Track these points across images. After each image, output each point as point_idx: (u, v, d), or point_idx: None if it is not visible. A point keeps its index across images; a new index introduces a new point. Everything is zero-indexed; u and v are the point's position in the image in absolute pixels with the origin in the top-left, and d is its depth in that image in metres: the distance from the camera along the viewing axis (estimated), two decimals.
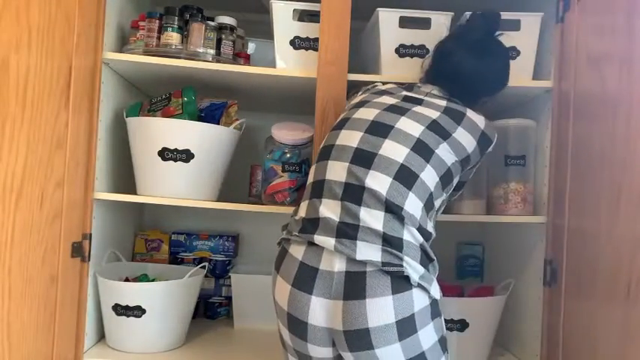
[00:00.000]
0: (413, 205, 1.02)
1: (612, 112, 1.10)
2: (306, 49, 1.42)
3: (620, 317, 0.98)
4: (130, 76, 1.55)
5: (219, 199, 1.50)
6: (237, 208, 1.40)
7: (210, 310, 1.76)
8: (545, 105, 1.42)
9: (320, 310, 0.99)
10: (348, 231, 0.99)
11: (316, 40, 1.39)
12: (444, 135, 1.09)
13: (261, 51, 1.56)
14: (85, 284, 1.33)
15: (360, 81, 1.39)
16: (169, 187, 1.41)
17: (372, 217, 0.99)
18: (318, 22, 1.37)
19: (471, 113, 1.15)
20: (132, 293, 1.39)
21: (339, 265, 0.98)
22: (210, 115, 1.51)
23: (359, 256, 0.96)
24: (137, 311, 1.37)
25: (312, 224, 1.03)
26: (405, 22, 1.41)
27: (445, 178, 1.09)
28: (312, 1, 1.40)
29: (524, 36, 1.41)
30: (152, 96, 1.59)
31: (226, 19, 1.48)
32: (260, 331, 1.63)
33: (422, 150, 1.06)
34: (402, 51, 1.41)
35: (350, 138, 1.08)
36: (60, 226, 1.18)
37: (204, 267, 1.54)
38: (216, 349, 1.47)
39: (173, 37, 1.40)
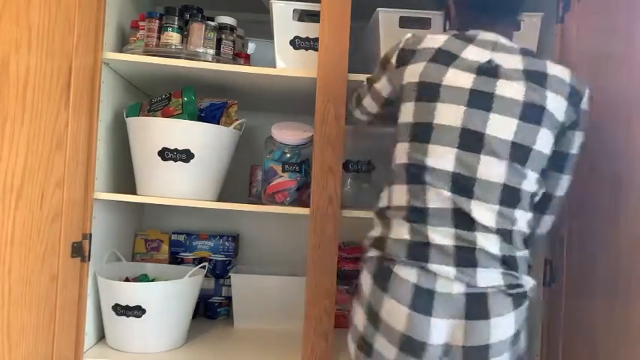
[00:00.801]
0: (521, 220, 1.01)
1: (612, 112, 1.10)
2: (306, 49, 1.42)
3: (620, 317, 0.98)
4: (130, 76, 1.55)
5: (219, 199, 1.50)
6: (237, 208, 1.40)
7: (210, 310, 1.75)
8: None
9: (440, 330, 0.97)
10: (466, 258, 0.97)
11: (316, 40, 1.39)
12: (538, 118, 0.99)
13: (261, 51, 1.56)
14: (85, 284, 1.33)
15: (360, 81, 1.39)
16: (169, 187, 1.41)
17: (488, 241, 0.98)
18: (318, 22, 1.37)
19: (550, 66, 1.04)
20: (132, 293, 1.38)
21: (457, 288, 0.96)
22: (210, 115, 1.51)
23: (481, 284, 0.96)
24: (137, 311, 1.37)
25: (421, 251, 0.98)
26: (405, 22, 1.41)
27: (543, 172, 1.04)
28: (312, 1, 1.40)
29: (524, 36, 1.41)
30: (152, 96, 1.59)
31: (226, 19, 1.48)
32: (260, 331, 1.63)
33: (519, 155, 0.99)
34: None
35: (444, 156, 0.99)
36: (60, 226, 1.18)
37: (204, 267, 1.54)
38: (216, 349, 1.47)
39: (173, 37, 1.40)
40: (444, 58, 1.04)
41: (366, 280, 1.05)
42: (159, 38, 1.41)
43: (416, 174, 1.01)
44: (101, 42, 1.33)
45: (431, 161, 1.00)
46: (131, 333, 1.39)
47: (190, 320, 1.51)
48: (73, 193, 1.23)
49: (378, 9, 1.41)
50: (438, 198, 0.98)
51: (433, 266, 0.97)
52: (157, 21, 1.41)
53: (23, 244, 1.05)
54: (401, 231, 1.01)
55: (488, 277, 0.96)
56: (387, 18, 1.41)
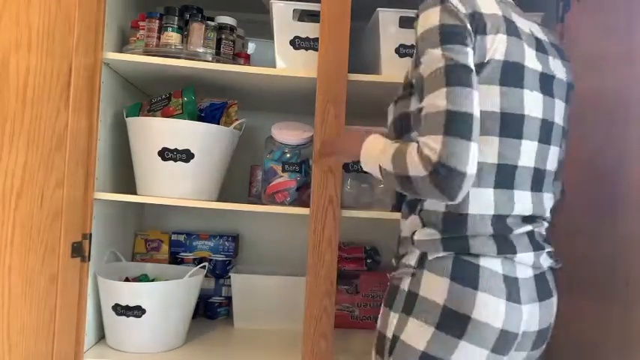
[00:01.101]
0: (549, 203, 1.03)
1: (611, 111, 1.10)
2: (306, 49, 1.42)
3: (618, 317, 0.98)
4: (130, 76, 1.55)
5: (219, 199, 1.50)
6: (237, 208, 1.40)
7: (210, 310, 1.75)
8: None
9: (526, 317, 0.94)
10: (537, 243, 0.97)
11: (316, 40, 1.39)
12: (569, 98, 1.03)
13: (261, 51, 1.56)
14: (85, 284, 1.33)
15: (360, 81, 1.39)
16: (169, 187, 1.41)
17: (544, 223, 1.01)
18: (318, 22, 1.37)
19: (555, 35, 1.05)
20: (132, 293, 1.38)
21: (530, 272, 0.96)
22: (210, 115, 1.51)
23: (544, 264, 0.98)
24: (137, 311, 1.37)
25: (505, 243, 0.93)
26: (405, 22, 1.41)
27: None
28: (312, 1, 1.40)
29: None
30: (152, 96, 1.59)
31: (226, 19, 1.48)
32: (260, 331, 1.63)
33: (562, 140, 1.02)
34: (402, 51, 1.41)
35: (529, 153, 0.94)
36: (60, 226, 1.18)
37: (204, 267, 1.54)
38: (216, 349, 1.47)
39: (173, 37, 1.40)
40: (514, 30, 0.93)
41: (432, 285, 0.91)
42: (159, 38, 1.41)
43: (506, 176, 0.93)
44: (101, 42, 1.33)
45: (522, 160, 0.93)
46: (131, 333, 1.39)
47: (190, 320, 1.51)
48: (73, 193, 1.23)
49: (378, 9, 1.41)
50: (522, 199, 0.95)
51: (517, 256, 0.92)
52: (157, 21, 1.42)
53: (23, 244, 1.05)
54: (482, 223, 0.93)
55: (545, 257, 0.98)
56: (387, 18, 1.41)
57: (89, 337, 1.38)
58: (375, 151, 0.95)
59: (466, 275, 0.90)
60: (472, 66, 0.87)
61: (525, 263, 0.93)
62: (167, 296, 1.41)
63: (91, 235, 1.33)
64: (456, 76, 0.85)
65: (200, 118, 1.49)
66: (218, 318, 1.76)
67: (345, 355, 1.43)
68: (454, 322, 0.89)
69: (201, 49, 1.41)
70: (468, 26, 0.89)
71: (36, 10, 1.04)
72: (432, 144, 0.84)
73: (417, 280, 0.93)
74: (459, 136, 0.83)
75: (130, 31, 1.49)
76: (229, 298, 1.74)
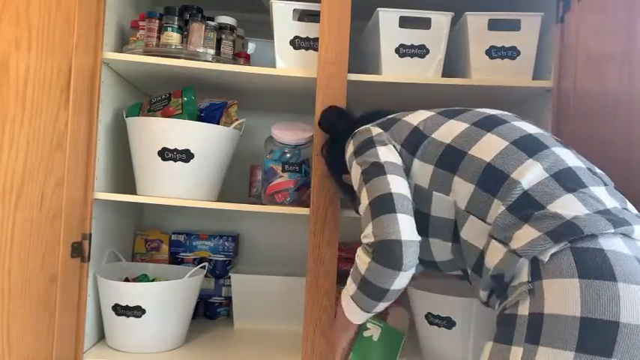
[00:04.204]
0: None
1: (612, 112, 1.10)
2: (306, 49, 1.42)
3: None
4: (130, 76, 1.55)
5: (219, 199, 1.50)
6: (237, 208, 1.40)
7: (210, 310, 1.75)
8: (545, 105, 1.42)
9: None
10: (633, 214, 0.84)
11: (316, 40, 1.39)
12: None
13: (261, 51, 1.56)
14: (84, 284, 1.33)
15: (360, 81, 1.39)
16: (169, 187, 1.41)
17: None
18: (318, 22, 1.37)
19: None
20: (132, 293, 1.38)
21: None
22: (210, 115, 1.51)
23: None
24: (137, 311, 1.37)
25: (612, 216, 0.79)
26: (405, 22, 1.41)
27: None
28: (312, 1, 1.40)
29: (524, 36, 1.41)
30: (152, 96, 1.59)
31: (226, 19, 1.48)
32: (260, 331, 1.63)
33: None
34: (402, 51, 1.41)
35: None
36: (60, 226, 1.18)
37: (204, 267, 1.54)
38: (216, 349, 1.47)
39: (173, 37, 1.40)
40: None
41: (559, 294, 0.73)
42: (159, 38, 1.41)
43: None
44: (101, 42, 1.33)
45: None
46: (131, 333, 1.39)
47: (190, 320, 1.51)
48: (72, 193, 1.23)
49: (378, 9, 1.41)
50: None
51: (635, 229, 0.79)
52: (157, 21, 1.41)
53: (23, 244, 1.05)
54: (575, 207, 0.81)
55: None
56: (387, 18, 1.41)
57: (89, 337, 1.38)
58: (348, 303, 1.03)
59: (596, 266, 0.73)
60: (382, 160, 0.99)
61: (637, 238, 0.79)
62: (167, 296, 1.41)
63: (90, 235, 1.33)
64: (369, 174, 0.99)
65: (200, 118, 1.49)
66: (218, 318, 1.76)
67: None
68: (599, 336, 0.70)
69: (201, 49, 1.41)
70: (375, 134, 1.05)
71: (36, 10, 1.04)
72: (366, 232, 0.95)
73: (539, 296, 0.75)
74: (382, 213, 0.93)
75: (129, 31, 1.48)
76: (229, 298, 1.74)
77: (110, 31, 1.40)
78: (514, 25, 1.41)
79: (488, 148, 0.90)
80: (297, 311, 1.43)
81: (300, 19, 1.44)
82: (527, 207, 0.82)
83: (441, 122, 1.00)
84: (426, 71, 1.42)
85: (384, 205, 0.93)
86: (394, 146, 1.02)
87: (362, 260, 0.95)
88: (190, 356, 1.42)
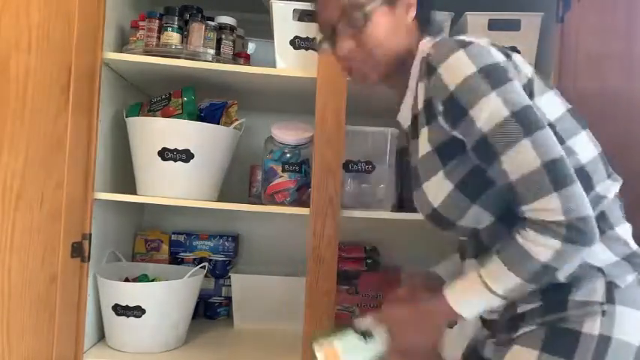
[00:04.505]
0: None
1: (612, 111, 1.10)
2: (306, 49, 1.42)
3: None
4: (130, 76, 1.55)
5: (219, 199, 1.50)
6: (237, 208, 1.40)
7: (210, 310, 1.75)
8: None
9: None
10: None
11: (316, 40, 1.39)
12: None
13: (261, 51, 1.56)
14: (84, 284, 1.33)
15: None
16: (169, 187, 1.41)
17: None
18: None
19: None
20: (132, 293, 1.38)
21: None
22: (210, 115, 1.51)
23: None
24: (137, 311, 1.37)
25: None
26: None
27: None
28: (312, 1, 1.40)
29: (524, 36, 1.41)
30: (152, 96, 1.59)
31: (226, 19, 1.48)
32: (260, 331, 1.63)
33: None
34: None
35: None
36: (60, 227, 1.18)
37: (204, 267, 1.54)
38: (216, 349, 1.47)
39: (173, 37, 1.40)
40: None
41: (629, 322, 0.78)
42: (159, 38, 1.41)
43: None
44: (101, 42, 1.33)
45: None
46: (131, 333, 1.39)
47: (190, 320, 1.51)
48: (72, 193, 1.23)
49: None
50: None
51: None
52: (157, 21, 1.41)
53: (23, 244, 1.05)
54: (631, 238, 0.86)
55: None
56: None
57: (89, 337, 1.38)
58: (471, 293, 0.82)
59: None
60: (531, 104, 0.80)
61: None
62: (167, 296, 1.41)
63: (90, 235, 1.33)
64: (528, 120, 0.78)
65: (200, 118, 1.49)
66: (218, 318, 1.76)
67: None
68: None
69: (201, 49, 1.41)
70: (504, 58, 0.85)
71: (36, 10, 1.04)
72: (549, 206, 0.75)
73: (610, 320, 0.77)
74: (568, 185, 0.75)
75: (129, 30, 1.48)
76: (229, 298, 1.74)
77: (110, 31, 1.40)
78: (514, 25, 1.41)
79: (587, 148, 0.86)
80: (297, 311, 1.43)
81: (300, 19, 1.44)
82: (602, 223, 0.81)
83: (543, 90, 0.87)
84: None
85: (565, 172, 0.76)
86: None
87: (545, 244, 0.75)
88: (190, 356, 1.42)
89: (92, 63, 1.31)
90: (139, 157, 1.44)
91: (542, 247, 0.75)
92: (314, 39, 1.40)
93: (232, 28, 1.48)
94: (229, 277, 1.72)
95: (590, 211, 0.75)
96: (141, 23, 1.44)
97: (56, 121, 1.14)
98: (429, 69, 0.83)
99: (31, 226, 1.07)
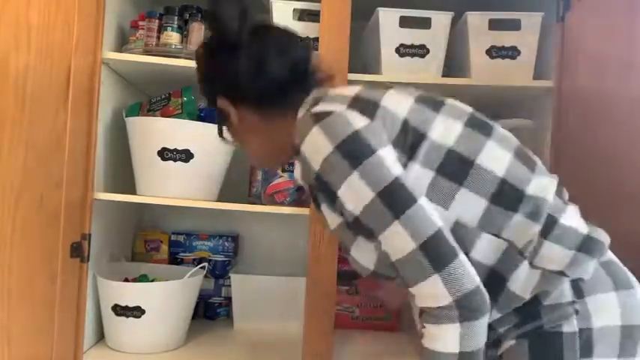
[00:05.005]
0: None
1: (612, 111, 1.10)
2: None
3: None
4: (130, 76, 1.55)
5: (219, 199, 1.50)
6: (237, 208, 1.40)
7: (210, 311, 1.75)
8: (546, 105, 1.42)
9: None
10: None
11: (316, 40, 1.39)
12: None
13: None
14: (84, 284, 1.32)
15: (360, 81, 1.39)
16: (169, 187, 1.41)
17: None
18: (318, 21, 1.37)
19: None
20: (132, 293, 1.38)
21: None
22: (210, 115, 1.51)
23: None
24: (137, 311, 1.37)
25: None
26: (405, 22, 1.41)
27: None
28: (312, 1, 1.40)
29: (524, 36, 1.41)
30: (152, 96, 1.59)
31: None
32: (260, 331, 1.63)
33: None
34: (403, 51, 1.41)
35: None
36: (59, 227, 1.18)
37: (203, 267, 1.54)
38: (216, 350, 1.47)
39: (173, 37, 1.40)
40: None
41: (604, 308, 0.79)
42: (158, 38, 1.41)
43: None
44: (100, 42, 1.33)
45: None
46: (131, 333, 1.39)
47: (190, 320, 1.50)
48: (72, 193, 1.23)
49: (378, 9, 1.41)
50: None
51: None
52: (157, 21, 1.41)
53: (23, 244, 1.04)
54: (579, 220, 0.85)
55: None
56: (386, 18, 1.41)
57: (88, 337, 1.38)
58: None
59: (619, 275, 0.80)
60: (399, 174, 0.76)
61: None
62: (167, 296, 1.41)
63: (90, 235, 1.32)
64: (395, 200, 0.75)
65: (200, 118, 1.49)
66: (218, 318, 1.75)
67: (345, 356, 1.43)
68: (631, 340, 0.78)
69: None
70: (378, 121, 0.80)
71: (35, 10, 1.04)
72: (433, 291, 0.73)
73: (585, 313, 0.78)
74: (449, 263, 0.73)
75: (129, 30, 1.48)
76: (229, 299, 1.73)
77: (110, 31, 1.40)
78: (514, 25, 1.41)
79: (495, 159, 0.81)
80: (297, 311, 1.43)
81: (300, 19, 1.44)
82: (548, 224, 0.80)
83: (429, 117, 0.82)
84: (426, 71, 1.42)
85: (443, 249, 0.74)
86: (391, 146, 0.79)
87: (446, 335, 0.73)
88: (190, 356, 1.42)
89: (92, 63, 1.30)
90: (138, 157, 1.44)
91: (443, 341, 0.73)
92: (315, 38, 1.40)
93: None
94: (229, 278, 1.72)
95: (475, 281, 0.73)
96: (140, 23, 1.44)
97: (56, 120, 1.14)
98: (295, 149, 0.82)
99: (30, 226, 1.07)
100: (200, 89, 0.97)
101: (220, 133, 0.98)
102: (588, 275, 0.79)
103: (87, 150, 1.31)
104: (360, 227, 0.78)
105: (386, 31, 1.41)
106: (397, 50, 1.41)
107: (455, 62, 1.51)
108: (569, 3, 1.31)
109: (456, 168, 0.79)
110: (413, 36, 1.41)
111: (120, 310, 1.37)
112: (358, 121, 0.78)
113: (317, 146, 0.77)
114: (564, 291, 0.79)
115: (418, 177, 0.78)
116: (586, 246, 0.79)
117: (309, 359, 1.34)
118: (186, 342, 1.50)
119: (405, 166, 0.78)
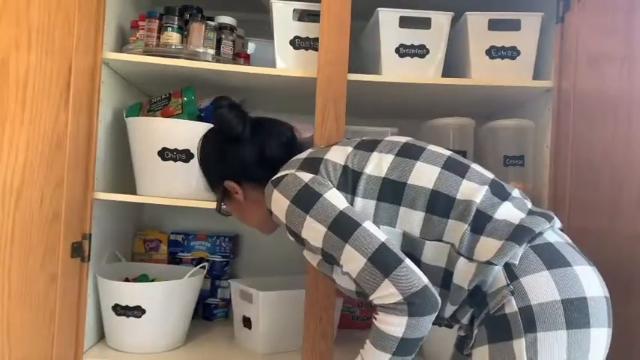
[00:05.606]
0: None
1: (612, 111, 1.10)
2: (306, 49, 1.42)
3: (620, 315, 0.98)
4: (130, 76, 1.55)
5: None
6: None
7: (207, 312, 1.75)
8: (545, 105, 1.42)
9: None
10: None
11: (316, 40, 1.39)
12: None
13: (261, 51, 1.56)
14: (84, 284, 1.33)
15: (360, 81, 1.39)
16: (169, 187, 1.41)
17: None
18: (318, 21, 1.37)
19: None
20: (132, 293, 1.38)
21: None
22: (210, 115, 1.51)
23: None
24: (137, 311, 1.37)
25: (539, 214, 0.98)
26: (405, 22, 1.41)
27: None
28: (312, 1, 1.40)
29: (524, 36, 1.41)
30: (152, 96, 1.59)
31: (226, 19, 1.48)
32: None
33: None
34: (402, 51, 1.41)
35: None
36: (60, 226, 1.18)
37: (203, 267, 1.54)
38: (216, 350, 1.47)
39: (173, 37, 1.40)
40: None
41: (538, 286, 0.87)
42: (159, 38, 1.41)
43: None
44: (101, 42, 1.33)
45: None
46: (131, 333, 1.39)
47: (190, 320, 1.51)
48: (72, 193, 1.23)
49: (378, 9, 1.41)
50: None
51: (556, 222, 0.99)
52: (157, 21, 1.41)
53: (23, 244, 1.04)
54: (515, 212, 0.95)
55: None
56: (386, 18, 1.41)
57: (89, 337, 1.38)
58: None
59: (553, 255, 0.89)
60: (343, 208, 0.94)
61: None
62: (167, 296, 1.41)
63: (90, 235, 1.33)
64: (342, 228, 0.92)
65: (200, 118, 1.49)
66: (215, 320, 1.75)
67: (345, 355, 1.43)
68: (577, 311, 0.84)
69: (201, 49, 1.41)
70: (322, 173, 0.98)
71: (36, 10, 1.04)
72: (386, 292, 0.88)
73: (521, 293, 0.87)
74: (395, 267, 0.88)
75: (129, 30, 1.48)
76: (226, 300, 1.73)
77: (110, 31, 1.40)
78: (514, 25, 1.41)
79: (424, 175, 0.96)
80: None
81: (300, 19, 1.44)
82: (480, 221, 0.92)
83: (365, 157, 1.00)
84: (426, 71, 1.42)
85: (386, 258, 0.89)
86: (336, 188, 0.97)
87: (394, 322, 0.88)
88: (190, 356, 1.42)
89: (92, 63, 1.30)
90: (138, 157, 1.44)
91: (392, 326, 0.88)
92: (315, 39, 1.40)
93: (232, 28, 1.48)
94: (226, 279, 1.72)
95: (422, 281, 0.88)
96: (141, 23, 1.44)
97: (56, 120, 1.14)
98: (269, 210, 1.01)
99: (31, 226, 1.07)
100: (204, 175, 1.19)
101: (219, 209, 1.19)
102: (517, 259, 0.88)
103: (87, 150, 1.31)
104: (329, 257, 0.95)
105: (386, 31, 1.41)
106: (397, 50, 1.41)
107: (455, 62, 1.51)
108: (569, 3, 1.32)
109: (392, 192, 0.96)
110: (413, 36, 1.41)
111: (120, 310, 1.37)
112: (305, 177, 0.97)
113: (279, 205, 0.97)
114: (499, 277, 0.89)
115: (364, 207, 0.96)
116: (514, 235, 0.89)
117: (310, 359, 1.34)
118: (186, 342, 1.50)
119: (351, 202, 0.96)
